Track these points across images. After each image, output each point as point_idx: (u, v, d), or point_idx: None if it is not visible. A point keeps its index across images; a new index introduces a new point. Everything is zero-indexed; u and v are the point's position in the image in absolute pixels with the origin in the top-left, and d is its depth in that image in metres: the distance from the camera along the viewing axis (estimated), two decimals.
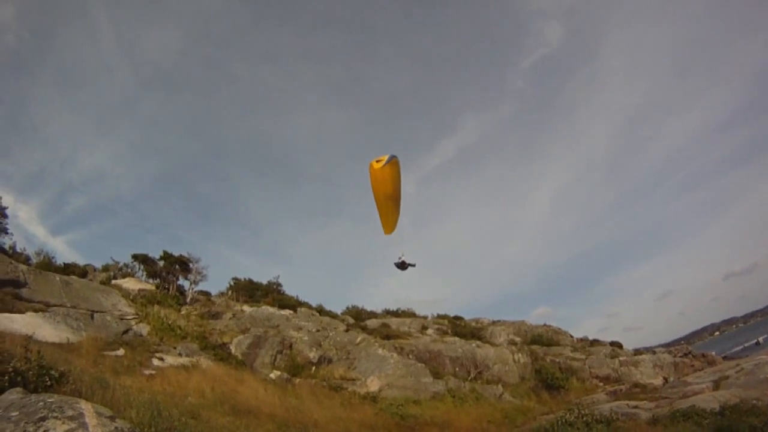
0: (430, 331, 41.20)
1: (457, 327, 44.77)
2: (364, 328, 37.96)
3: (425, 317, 49.43)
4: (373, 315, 48.42)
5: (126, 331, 22.68)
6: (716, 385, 26.16)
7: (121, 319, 23.69)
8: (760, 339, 76.64)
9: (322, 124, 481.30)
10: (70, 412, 9.03)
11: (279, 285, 46.96)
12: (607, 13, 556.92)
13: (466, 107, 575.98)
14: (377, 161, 15.73)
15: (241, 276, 46.15)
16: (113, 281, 32.31)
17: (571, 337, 50.54)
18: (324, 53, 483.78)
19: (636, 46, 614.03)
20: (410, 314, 49.58)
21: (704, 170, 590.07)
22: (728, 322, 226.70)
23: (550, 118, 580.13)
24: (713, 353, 45.44)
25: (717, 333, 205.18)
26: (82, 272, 34.33)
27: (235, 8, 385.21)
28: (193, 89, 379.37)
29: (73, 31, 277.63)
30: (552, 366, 34.97)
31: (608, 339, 52.57)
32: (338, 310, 47.59)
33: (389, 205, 17.51)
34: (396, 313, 49.76)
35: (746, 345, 75.57)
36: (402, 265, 18.91)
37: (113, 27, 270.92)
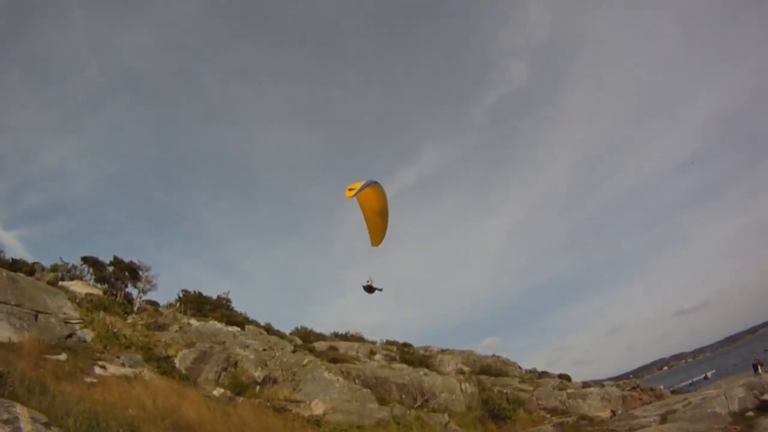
0: (378, 357, 41.37)
1: (406, 354, 45.13)
2: (311, 350, 37.85)
3: (374, 342, 49.77)
4: (321, 337, 48.42)
5: (70, 336, 22.08)
6: (663, 419, 27.07)
7: (66, 322, 23.04)
8: (709, 374, 78.11)
9: (286, 144, 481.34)
10: (5, 416, 8.96)
11: (228, 301, 46.47)
12: (571, 54, 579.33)
13: (428, 137, 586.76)
14: (350, 189, 16.00)
15: (191, 288, 45.58)
16: (60, 282, 31.32)
17: (520, 368, 51.51)
18: (293, 74, 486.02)
19: (597, 88, 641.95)
20: (359, 339, 49.80)
21: (658, 210, 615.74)
22: (677, 357, 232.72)
23: (509, 153, 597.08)
24: (661, 387, 47.00)
25: (666, 368, 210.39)
26: (30, 270, 33.19)
27: (212, 21, 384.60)
28: (161, 96, 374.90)
29: (48, 22, 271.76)
30: (499, 396, 35.37)
31: (557, 371, 53.90)
32: (287, 330, 47.53)
33: (377, 220, 18.11)
34: (345, 337, 49.88)
35: (695, 380, 77.25)
36: (369, 289, 19.20)
37: (89, 24, 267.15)
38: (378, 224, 18.31)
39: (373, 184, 17.00)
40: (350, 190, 15.92)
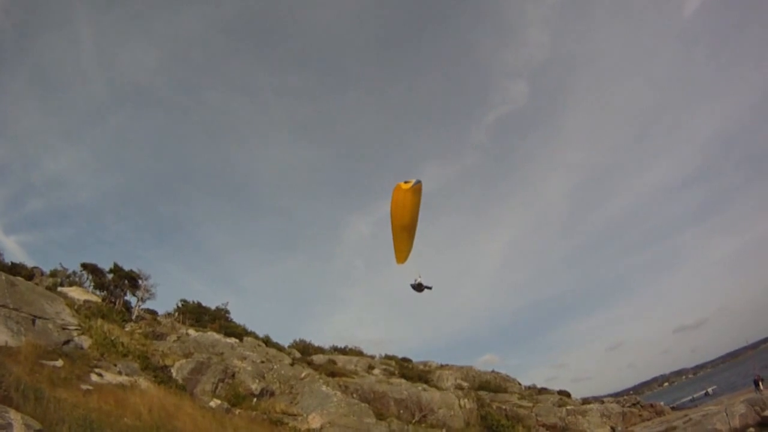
0: (376, 371, 41.02)
1: (405, 369, 44.75)
2: (309, 363, 37.54)
3: (373, 357, 49.31)
4: (320, 350, 48.00)
5: (67, 342, 21.90)
6: None
7: (63, 328, 22.85)
8: (710, 390, 77.11)
9: (286, 160, 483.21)
10: None
11: (227, 312, 46.06)
12: (570, 75, 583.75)
13: (428, 156, 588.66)
14: (405, 182, 15.65)
15: (190, 299, 45.15)
16: (59, 288, 31.22)
17: (519, 384, 51.04)
18: (295, 90, 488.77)
19: (596, 107, 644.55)
20: (358, 353, 49.37)
21: (657, 228, 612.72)
22: (678, 373, 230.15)
23: (509, 173, 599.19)
24: (662, 404, 46.36)
25: (666, 384, 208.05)
26: (29, 274, 33.04)
27: (215, 37, 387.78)
28: (164, 110, 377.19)
29: (55, 34, 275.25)
30: (498, 413, 35.09)
31: (556, 388, 53.34)
32: (285, 342, 47.00)
33: (404, 236, 17.45)
34: (343, 351, 49.46)
35: (695, 396, 76.61)
36: (419, 287, 18.83)
37: (95, 37, 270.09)
38: (404, 239, 17.74)
39: (419, 184, 16.45)
40: (406, 183, 15.58)
